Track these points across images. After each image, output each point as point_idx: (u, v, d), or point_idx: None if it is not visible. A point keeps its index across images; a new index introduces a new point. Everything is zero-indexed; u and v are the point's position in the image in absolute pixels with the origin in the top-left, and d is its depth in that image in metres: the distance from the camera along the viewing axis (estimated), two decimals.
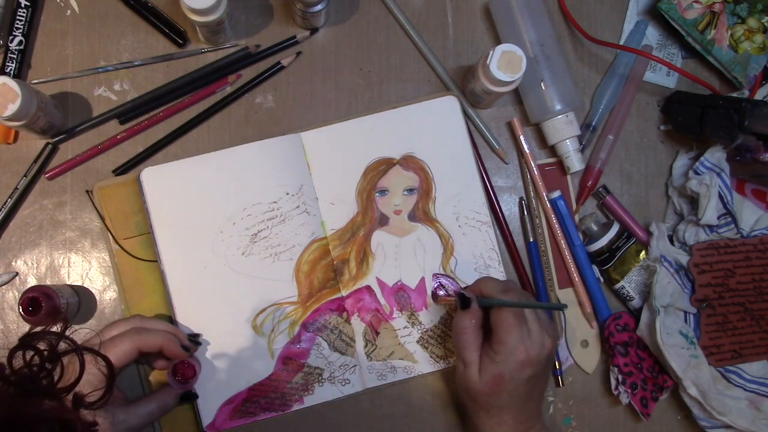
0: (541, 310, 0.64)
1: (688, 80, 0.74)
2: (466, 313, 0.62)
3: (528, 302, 0.64)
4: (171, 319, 0.67)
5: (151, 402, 0.61)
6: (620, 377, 0.69)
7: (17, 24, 0.69)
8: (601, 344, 0.73)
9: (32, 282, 0.69)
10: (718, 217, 0.69)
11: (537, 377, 0.61)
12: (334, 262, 0.70)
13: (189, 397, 0.64)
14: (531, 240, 0.73)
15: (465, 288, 0.64)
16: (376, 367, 0.70)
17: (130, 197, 0.69)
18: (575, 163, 0.71)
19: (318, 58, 0.73)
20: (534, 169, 0.72)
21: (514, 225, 0.74)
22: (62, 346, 0.45)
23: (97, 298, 0.70)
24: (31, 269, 0.70)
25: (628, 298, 0.72)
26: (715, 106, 0.67)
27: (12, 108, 0.60)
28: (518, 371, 0.59)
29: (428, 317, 0.70)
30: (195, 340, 0.65)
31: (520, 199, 0.74)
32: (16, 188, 0.69)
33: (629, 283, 0.71)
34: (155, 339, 0.60)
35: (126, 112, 0.71)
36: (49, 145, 0.69)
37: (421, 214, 0.71)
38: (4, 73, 0.69)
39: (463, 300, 0.62)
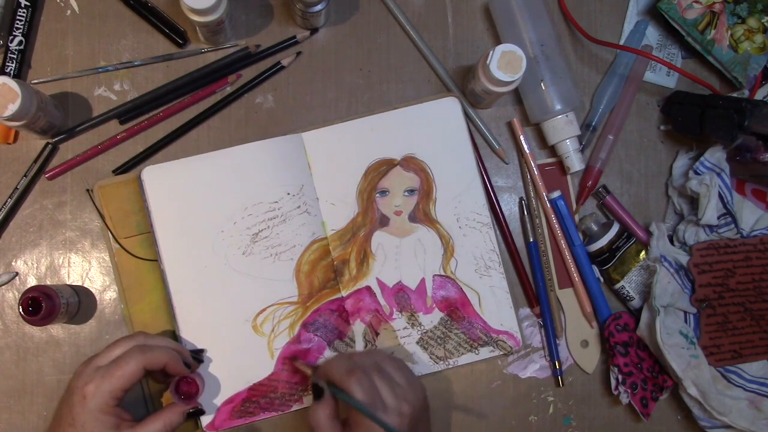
0: (397, 374, 0.60)
1: (688, 80, 0.74)
2: (320, 405, 0.58)
3: (365, 408, 0.56)
4: (174, 335, 0.67)
5: (157, 421, 0.60)
6: (620, 377, 0.69)
7: (17, 24, 0.69)
8: (601, 344, 0.73)
9: (32, 282, 0.69)
10: (718, 217, 0.69)
11: None
12: (335, 263, 0.70)
13: (195, 414, 0.63)
14: (531, 240, 0.73)
15: (315, 369, 0.61)
16: None
17: (131, 196, 0.69)
18: (575, 163, 0.71)
19: (318, 58, 0.73)
20: (534, 169, 0.72)
21: (514, 225, 0.74)
22: None
23: (97, 298, 0.70)
24: (31, 269, 0.70)
25: (628, 298, 0.72)
26: (715, 106, 0.67)
27: (12, 108, 0.60)
28: None
29: (428, 318, 0.70)
30: (198, 357, 0.65)
31: (520, 199, 0.74)
32: (16, 188, 0.69)
33: (629, 283, 0.71)
34: (160, 356, 0.59)
35: (126, 112, 0.71)
36: (49, 145, 0.69)
37: (422, 215, 0.71)
38: (4, 73, 0.69)
39: (316, 390, 0.59)
